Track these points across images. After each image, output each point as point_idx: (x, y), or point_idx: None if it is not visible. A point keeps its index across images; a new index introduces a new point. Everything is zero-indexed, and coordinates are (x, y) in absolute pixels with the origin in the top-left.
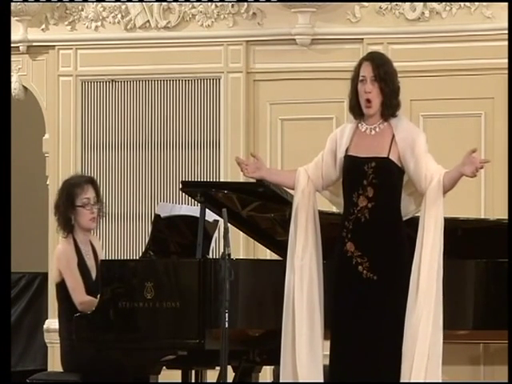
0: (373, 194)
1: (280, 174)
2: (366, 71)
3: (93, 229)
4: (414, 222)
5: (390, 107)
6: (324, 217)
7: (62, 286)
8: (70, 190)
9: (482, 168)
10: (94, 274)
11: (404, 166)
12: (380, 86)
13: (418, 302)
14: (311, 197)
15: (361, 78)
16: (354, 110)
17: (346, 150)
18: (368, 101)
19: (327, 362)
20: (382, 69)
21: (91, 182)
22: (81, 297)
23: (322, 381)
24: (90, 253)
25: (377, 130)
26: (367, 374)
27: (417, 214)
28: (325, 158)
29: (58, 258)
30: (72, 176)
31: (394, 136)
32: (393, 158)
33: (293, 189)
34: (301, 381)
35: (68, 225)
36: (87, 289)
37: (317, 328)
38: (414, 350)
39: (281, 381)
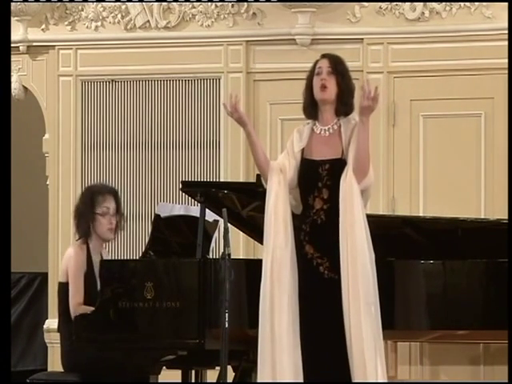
0: (328, 196)
1: (259, 144)
2: (323, 64)
3: (110, 239)
4: (411, 222)
5: (345, 104)
6: None
7: (65, 287)
8: (92, 197)
9: (374, 98)
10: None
11: (347, 159)
12: (337, 79)
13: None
14: (286, 187)
15: (317, 70)
16: (307, 109)
17: (302, 154)
18: (323, 86)
19: None
20: (339, 65)
21: (114, 193)
22: (76, 305)
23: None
24: (99, 262)
25: (330, 131)
26: (335, 371)
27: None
28: (289, 151)
29: (68, 260)
30: (96, 183)
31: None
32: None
33: (259, 165)
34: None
35: (84, 230)
36: (92, 298)
37: (296, 323)
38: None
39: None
